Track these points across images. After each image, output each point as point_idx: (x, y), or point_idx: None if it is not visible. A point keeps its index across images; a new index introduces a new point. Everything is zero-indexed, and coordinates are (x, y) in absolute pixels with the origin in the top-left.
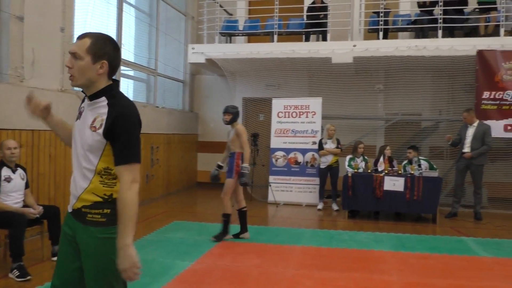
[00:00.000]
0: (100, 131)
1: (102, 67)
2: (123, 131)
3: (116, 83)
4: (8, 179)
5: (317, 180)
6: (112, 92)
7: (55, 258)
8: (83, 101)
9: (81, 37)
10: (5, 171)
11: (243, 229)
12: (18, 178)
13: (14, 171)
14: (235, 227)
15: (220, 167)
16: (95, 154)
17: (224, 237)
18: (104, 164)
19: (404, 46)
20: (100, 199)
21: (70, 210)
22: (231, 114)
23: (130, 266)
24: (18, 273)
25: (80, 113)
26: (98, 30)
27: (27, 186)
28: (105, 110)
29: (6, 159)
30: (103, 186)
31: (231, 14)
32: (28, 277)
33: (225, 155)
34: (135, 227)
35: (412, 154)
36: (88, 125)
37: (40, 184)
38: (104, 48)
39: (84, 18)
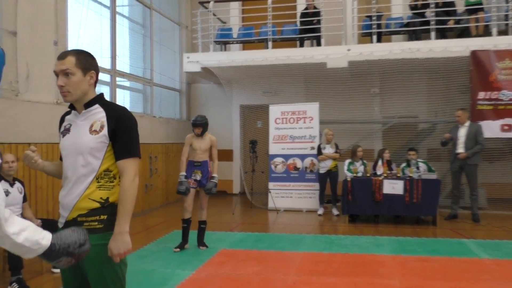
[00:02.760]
0: (104, 131)
1: (92, 78)
2: (127, 129)
3: (103, 94)
4: (6, 193)
5: (316, 185)
6: (103, 99)
7: (55, 270)
8: (62, 120)
9: (63, 56)
10: (3, 185)
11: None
12: (16, 191)
13: (12, 185)
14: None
15: (186, 177)
16: (97, 157)
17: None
18: (106, 165)
19: (398, 49)
20: (96, 205)
21: (61, 225)
22: (202, 126)
23: (125, 251)
24: (17, 286)
25: (67, 129)
26: (92, 42)
27: (25, 199)
28: (102, 114)
29: (3, 173)
30: (100, 190)
31: (224, 22)
32: None
33: (184, 164)
34: (129, 217)
35: (415, 155)
36: (85, 132)
37: (38, 198)
38: (88, 60)
39: (77, 30)
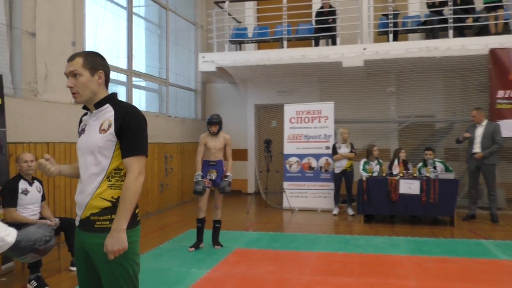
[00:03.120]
0: (111, 130)
1: (100, 78)
2: (132, 126)
3: (115, 93)
4: (25, 192)
5: (331, 185)
6: (114, 99)
7: (73, 268)
8: (80, 121)
9: (71, 58)
10: (22, 184)
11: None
12: (34, 190)
13: (31, 184)
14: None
15: (202, 177)
16: (106, 155)
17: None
18: (115, 164)
19: (415, 47)
20: (108, 204)
21: (77, 223)
22: (218, 124)
23: (119, 249)
24: (36, 284)
25: (82, 130)
26: (108, 42)
27: (43, 198)
28: (111, 113)
29: (23, 172)
30: (111, 189)
31: (240, 22)
32: None
33: (199, 164)
34: (130, 214)
35: (432, 155)
36: (96, 131)
37: (56, 197)
38: (96, 60)
39: (95, 31)
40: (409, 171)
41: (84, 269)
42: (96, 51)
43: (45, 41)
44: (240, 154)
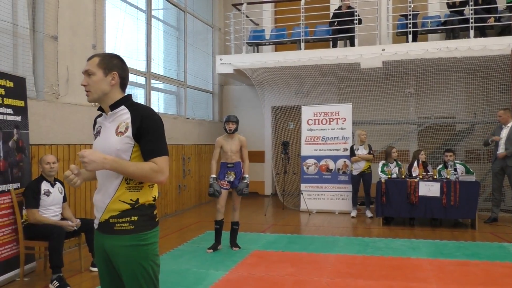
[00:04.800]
0: (129, 133)
1: (113, 79)
2: (151, 129)
3: (131, 95)
4: (47, 193)
5: (349, 187)
6: (129, 101)
7: (94, 269)
8: (95, 123)
9: (90, 58)
10: (45, 185)
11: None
12: (56, 192)
13: (53, 185)
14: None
15: (216, 179)
16: (124, 158)
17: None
18: None
19: (435, 48)
20: (127, 206)
21: (96, 226)
22: (235, 123)
23: (84, 154)
24: (58, 284)
25: (98, 132)
26: (128, 45)
27: (65, 199)
28: (127, 115)
29: (45, 174)
30: (129, 191)
31: (257, 24)
32: None
33: (214, 167)
34: (125, 172)
35: (453, 157)
36: (112, 134)
37: (76, 198)
38: (112, 61)
39: (115, 34)
40: (429, 173)
41: (105, 271)
42: (117, 54)
43: (67, 45)
44: (257, 156)
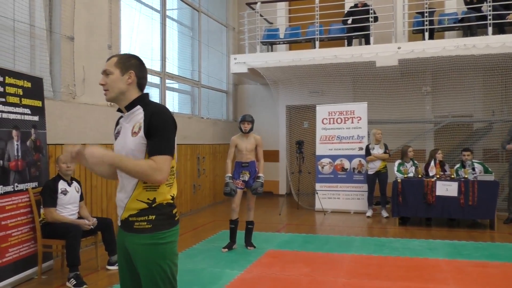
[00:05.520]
0: (141, 133)
1: (130, 77)
2: (158, 127)
3: (147, 94)
4: (64, 192)
5: (365, 186)
6: (145, 101)
7: (110, 267)
8: (117, 123)
9: (109, 58)
10: (62, 184)
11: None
12: (73, 190)
13: (69, 184)
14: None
15: (231, 178)
16: (139, 158)
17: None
18: None
19: (452, 45)
20: (144, 205)
21: (119, 223)
22: (251, 123)
23: (73, 150)
24: (75, 282)
25: (118, 132)
26: (143, 45)
27: (81, 198)
28: (141, 115)
29: (62, 173)
30: (146, 191)
31: (271, 23)
32: (84, 286)
33: (229, 166)
34: (122, 167)
35: (470, 156)
36: (128, 134)
37: (93, 197)
38: (130, 61)
39: (130, 34)
40: (446, 173)
41: (125, 268)
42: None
43: (83, 45)
44: (271, 155)
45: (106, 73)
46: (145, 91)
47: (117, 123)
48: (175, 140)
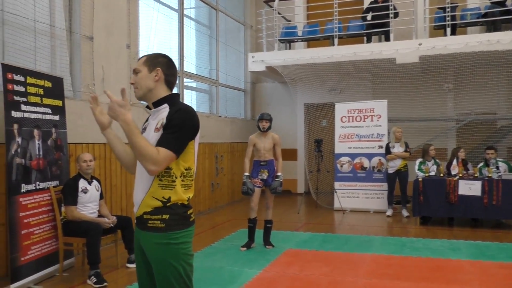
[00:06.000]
0: (162, 130)
1: (157, 75)
2: (177, 123)
3: (177, 94)
4: (85, 190)
5: (384, 185)
6: (173, 100)
7: (130, 265)
8: (146, 120)
9: (140, 58)
10: (82, 183)
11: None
12: (93, 189)
13: (90, 183)
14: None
15: (249, 177)
16: None
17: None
18: None
19: (475, 41)
20: (159, 204)
21: (135, 220)
22: (269, 121)
23: (114, 110)
24: (95, 280)
25: (144, 129)
26: (161, 44)
27: (101, 197)
28: (166, 113)
29: (82, 171)
30: (162, 189)
31: (289, 21)
32: (105, 284)
33: (247, 165)
34: (130, 136)
35: (494, 154)
36: (152, 130)
37: (113, 195)
38: (157, 59)
39: (148, 34)
40: (469, 172)
41: (142, 265)
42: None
43: (102, 45)
44: (289, 154)
45: (135, 71)
46: None
47: (146, 120)
48: (187, 143)
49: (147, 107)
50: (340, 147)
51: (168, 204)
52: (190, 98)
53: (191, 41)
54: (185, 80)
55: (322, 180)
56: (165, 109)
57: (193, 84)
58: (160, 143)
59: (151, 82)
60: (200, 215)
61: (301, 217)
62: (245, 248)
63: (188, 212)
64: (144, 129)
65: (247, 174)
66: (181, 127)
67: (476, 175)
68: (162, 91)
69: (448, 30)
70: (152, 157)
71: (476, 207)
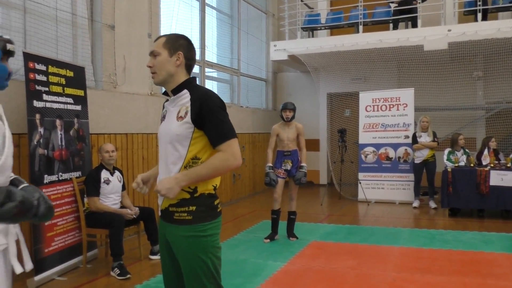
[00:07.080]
0: (187, 118)
1: (178, 59)
2: (210, 112)
3: (194, 78)
4: (107, 181)
5: (411, 176)
6: (192, 84)
7: (153, 257)
8: (163, 107)
9: (157, 38)
10: (104, 174)
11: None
12: (115, 180)
13: (112, 174)
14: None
15: (272, 168)
16: (183, 144)
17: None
18: (193, 152)
19: (508, 26)
20: (185, 195)
21: (159, 213)
22: (292, 111)
23: (162, 191)
24: (119, 272)
25: (163, 117)
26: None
27: (123, 188)
28: (187, 99)
29: (105, 162)
30: None
31: (312, 8)
32: (128, 276)
33: (270, 156)
34: (195, 181)
35: None
36: (174, 118)
37: None
38: (178, 41)
39: (170, 23)
40: (501, 162)
41: (167, 258)
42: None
43: (124, 34)
44: (312, 144)
45: (153, 54)
46: None
47: (163, 107)
48: (230, 121)
49: (164, 93)
50: (364, 137)
51: (195, 195)
52: (211, 88)
53: (213, 30)
54: (206, 70)
55: (345, 171)
56: (185, 96)
57: (214, 74)
58: (215, 141)
59: (172, 67)
60: (222, 207)
61: (324, 208)
62: (268, 240)
63: (215, 203)
64: (163, 117)
65: (270, 165)
66: (218, 113)
67: (508, 165)
68: (182, 76)
69: (479, 15)
70: (224, 160)
71: (508, 198)
